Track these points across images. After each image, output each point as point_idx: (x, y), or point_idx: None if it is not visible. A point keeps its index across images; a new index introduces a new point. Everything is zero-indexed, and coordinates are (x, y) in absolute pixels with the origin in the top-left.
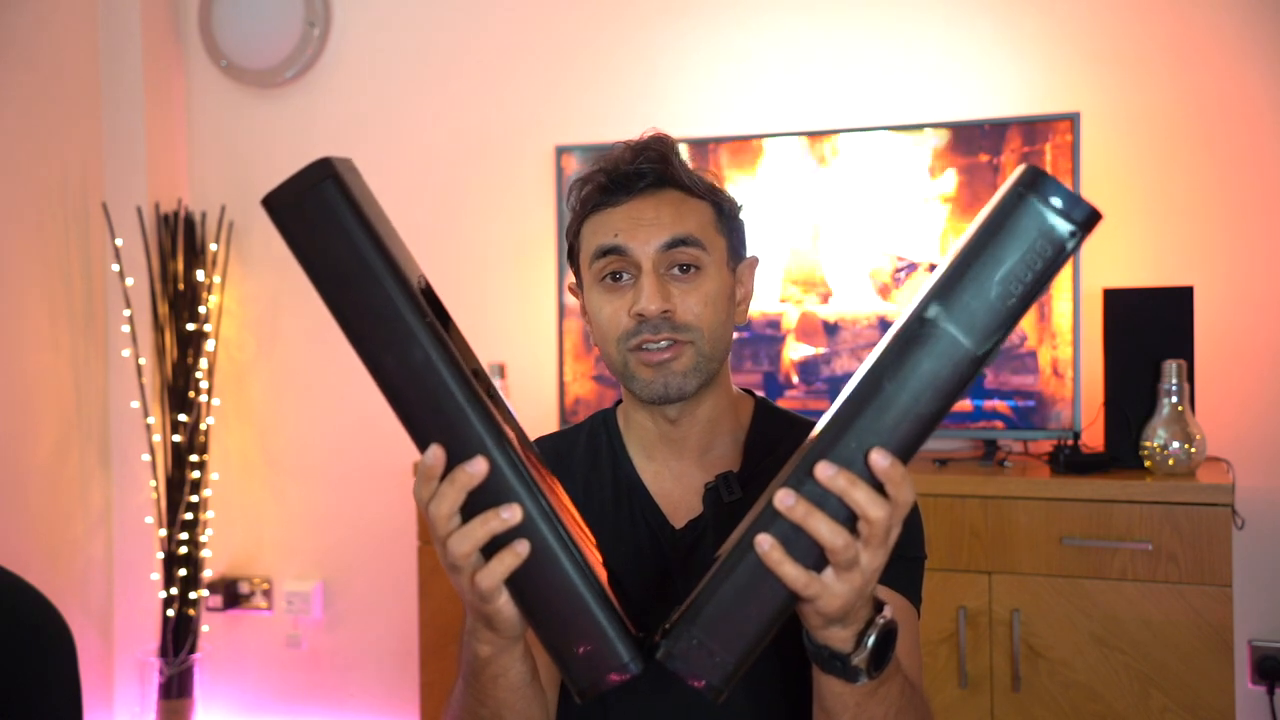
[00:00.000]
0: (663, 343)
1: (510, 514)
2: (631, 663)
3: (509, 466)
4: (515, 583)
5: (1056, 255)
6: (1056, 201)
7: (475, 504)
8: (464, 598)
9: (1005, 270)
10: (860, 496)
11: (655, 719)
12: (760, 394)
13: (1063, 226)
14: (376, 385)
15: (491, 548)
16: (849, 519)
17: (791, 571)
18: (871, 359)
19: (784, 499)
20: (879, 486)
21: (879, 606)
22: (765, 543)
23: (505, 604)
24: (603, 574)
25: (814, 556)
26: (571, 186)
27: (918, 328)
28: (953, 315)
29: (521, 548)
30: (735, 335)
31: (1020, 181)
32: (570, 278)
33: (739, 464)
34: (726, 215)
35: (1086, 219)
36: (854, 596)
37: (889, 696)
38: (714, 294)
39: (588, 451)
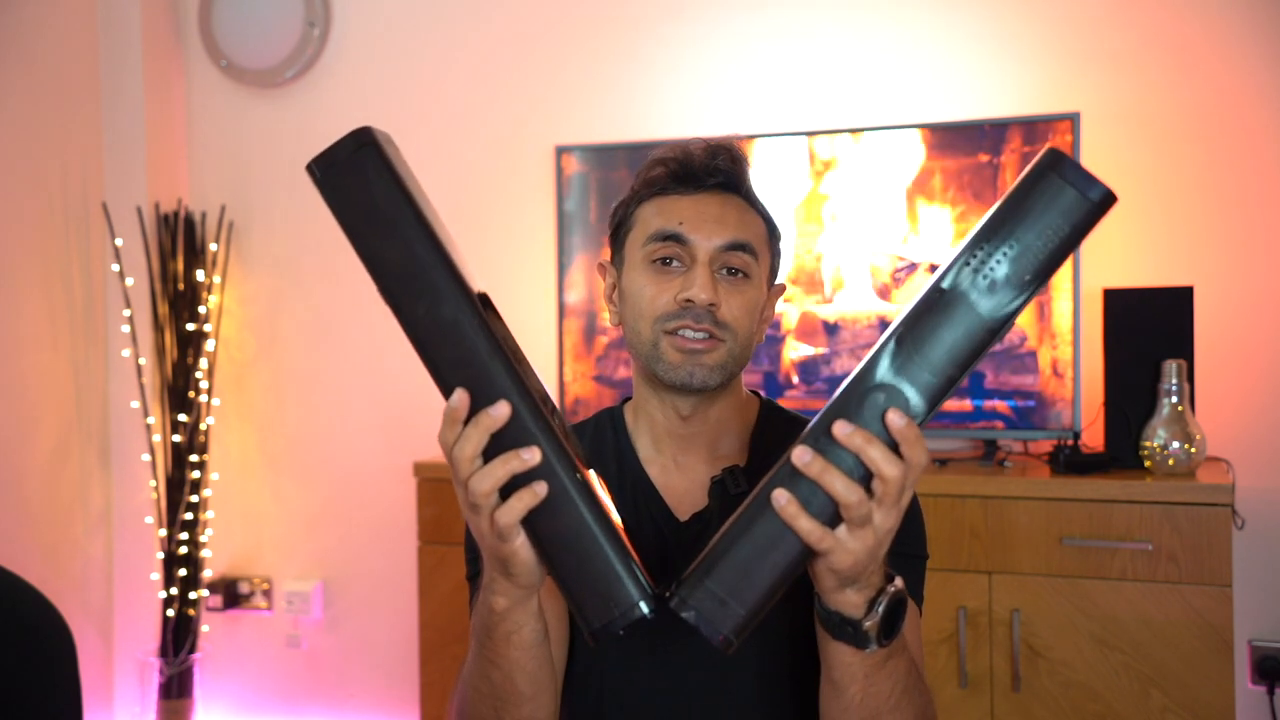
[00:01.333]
0: (702, 334)
1: (530, 455)
2: (643, 602)
3: (529, 412)
4: (532, 524)
5: (1072, 233)
6: (1075, 181)
7: (496, 447)
8: (483, 542)
9: (1023, 245)
10: (876, 454)
11: (651, 688)
12: (764, 395)
13: (1079, 206)
14: (405, 335)
15: (510, 489)
16: (864, 478)
17: (806, 525)
18: (891, 327)
19: (801, 455)
20: (894, 447)
21: (890, 577)
22: (782, 497)
23: (522, 545)
24: (618, 520)
25: (829, 513)
26: (641, 167)
27: (936, 297)
28: (970, 286)
29: (540, 488)
30: None
31: (1041, 162)
32: (604, 254)
33: (745, 461)
34: (774, 237)
35: (1103, 199)
36: (866, 556)
37: (896, 672)
38: (755, 303)
39: (593, 445)
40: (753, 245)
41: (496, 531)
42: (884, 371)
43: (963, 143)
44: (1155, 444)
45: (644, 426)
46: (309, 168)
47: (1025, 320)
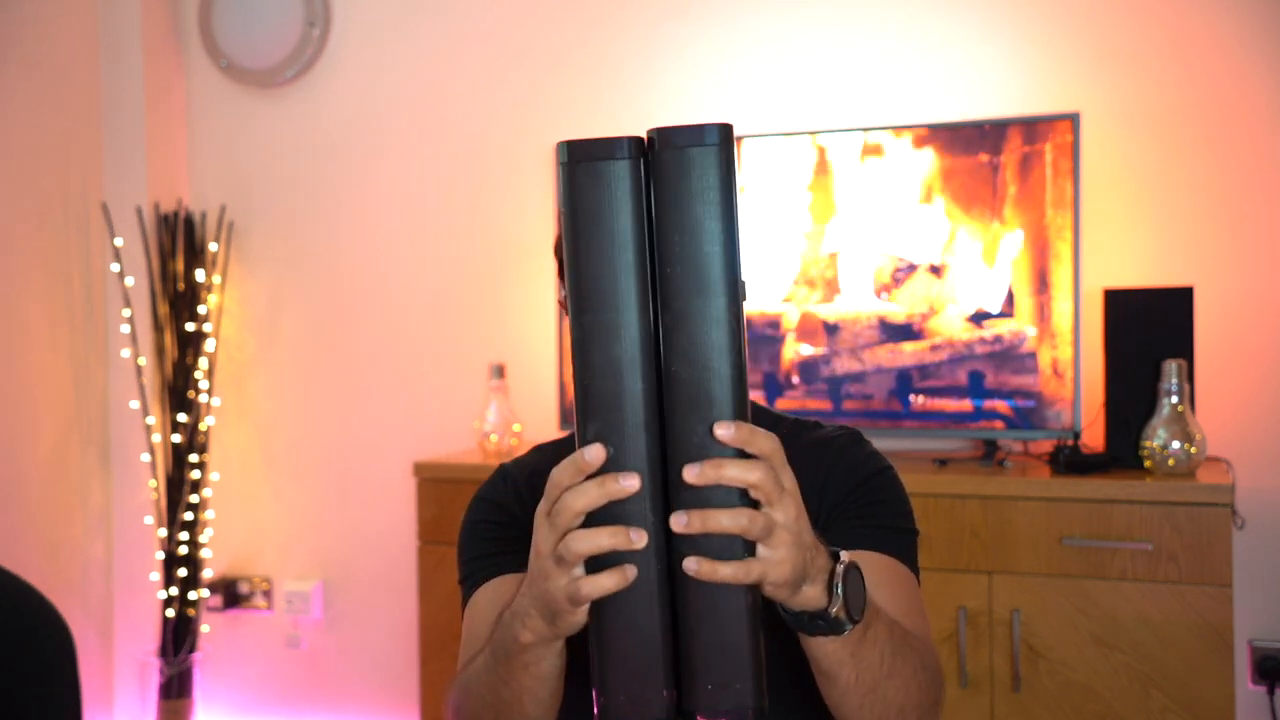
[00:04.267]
0: None
1: (638, 539)
2: (663, 710)
3: (655, 492)
4: (602, 600)
5: (724, 180)
6: (688, 142)
7: (606, 512)
8: (544, 587)
9: (691, 218)
10: (732, 473)
11: None
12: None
13: (709, 156)
14: (572, 355)
15: (598, 559)
16: (741, 496)
17: (728, 571)
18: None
19: (678, 522)
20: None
21: (834, 554)
22: (691, 564)
23: (583, 613)
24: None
25: (739, 545)
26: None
27: (666, 316)
28: (683, 285)
29: (631, 573)
30: None
31: (661, 141)
32: (560, 292)
33: None
34: None
35: (723, 135)
36: (797, 554)
37: (879, 638)
38: None
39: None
40: None
41: (569, 595)
42: (679, 400)
43: (963, 143)
44: (1155, 444)
45: None
46: (565, 144)
47: (1025, 320)
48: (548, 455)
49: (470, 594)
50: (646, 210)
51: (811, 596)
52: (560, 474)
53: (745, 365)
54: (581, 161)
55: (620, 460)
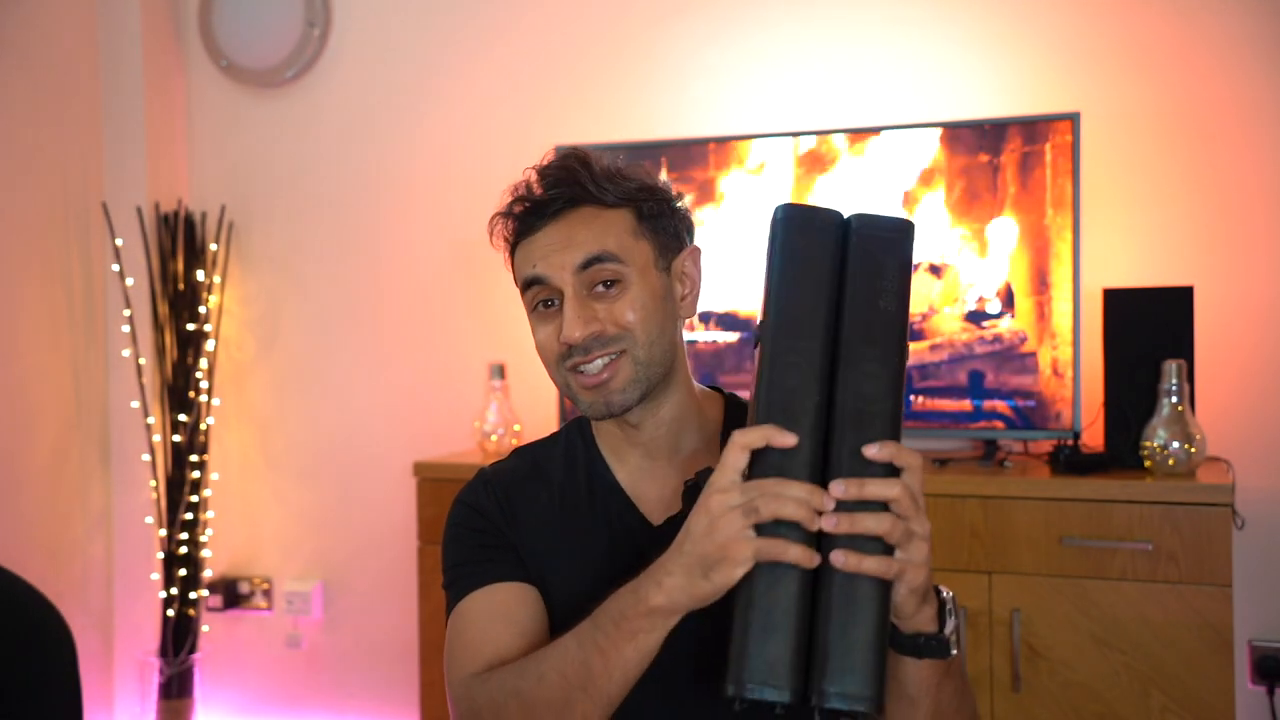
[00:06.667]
0: (596, 363)
1: (827, 503)
2: (787, 693)
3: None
4: (754, 576)
5: (901, 244)
6: (874, 228)
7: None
8: (709, 538)
9: (877, 283)
10: (874, 489)
11: None
12: (729, 391)
13: (895, 241)
14: (758, 371)
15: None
16: (884, 504)
17: (873, 564)
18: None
19: (828, 523)
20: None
21: (936, 588)
22: (839, 557)
23: (740, 574)
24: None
25: (880, 549)
26: (492, 221)
27: (842, 354)
28: (862, 334)
29: (816, 559)
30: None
31: (852, 227)
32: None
33: (716, 459)
34: (648, 216)
35: (905, 225)
36: (928, 563)
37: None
38: (642, 301)
39: (564, 457)
40: (611, 251)
41: (757, 549)
42: (847, 426)
43: (963, 143)
44: (1155, 444)
45: (605, 438)
46: (786, 206)
47: (1025, 320)
48: (526, 459)
49: (457, 600)
50: (842, 268)
51: (928, 618)
52: (746, 437)
53: (902, 403)
54: (797, 220)
55: (790, 455)
